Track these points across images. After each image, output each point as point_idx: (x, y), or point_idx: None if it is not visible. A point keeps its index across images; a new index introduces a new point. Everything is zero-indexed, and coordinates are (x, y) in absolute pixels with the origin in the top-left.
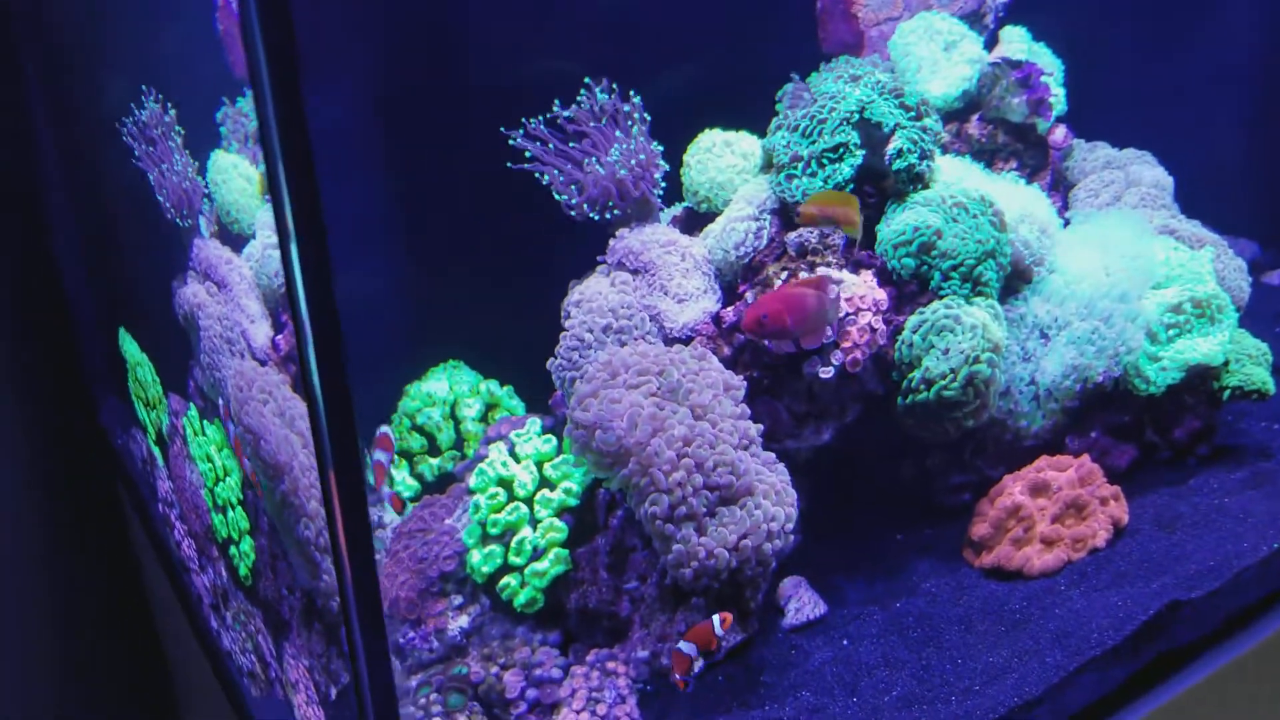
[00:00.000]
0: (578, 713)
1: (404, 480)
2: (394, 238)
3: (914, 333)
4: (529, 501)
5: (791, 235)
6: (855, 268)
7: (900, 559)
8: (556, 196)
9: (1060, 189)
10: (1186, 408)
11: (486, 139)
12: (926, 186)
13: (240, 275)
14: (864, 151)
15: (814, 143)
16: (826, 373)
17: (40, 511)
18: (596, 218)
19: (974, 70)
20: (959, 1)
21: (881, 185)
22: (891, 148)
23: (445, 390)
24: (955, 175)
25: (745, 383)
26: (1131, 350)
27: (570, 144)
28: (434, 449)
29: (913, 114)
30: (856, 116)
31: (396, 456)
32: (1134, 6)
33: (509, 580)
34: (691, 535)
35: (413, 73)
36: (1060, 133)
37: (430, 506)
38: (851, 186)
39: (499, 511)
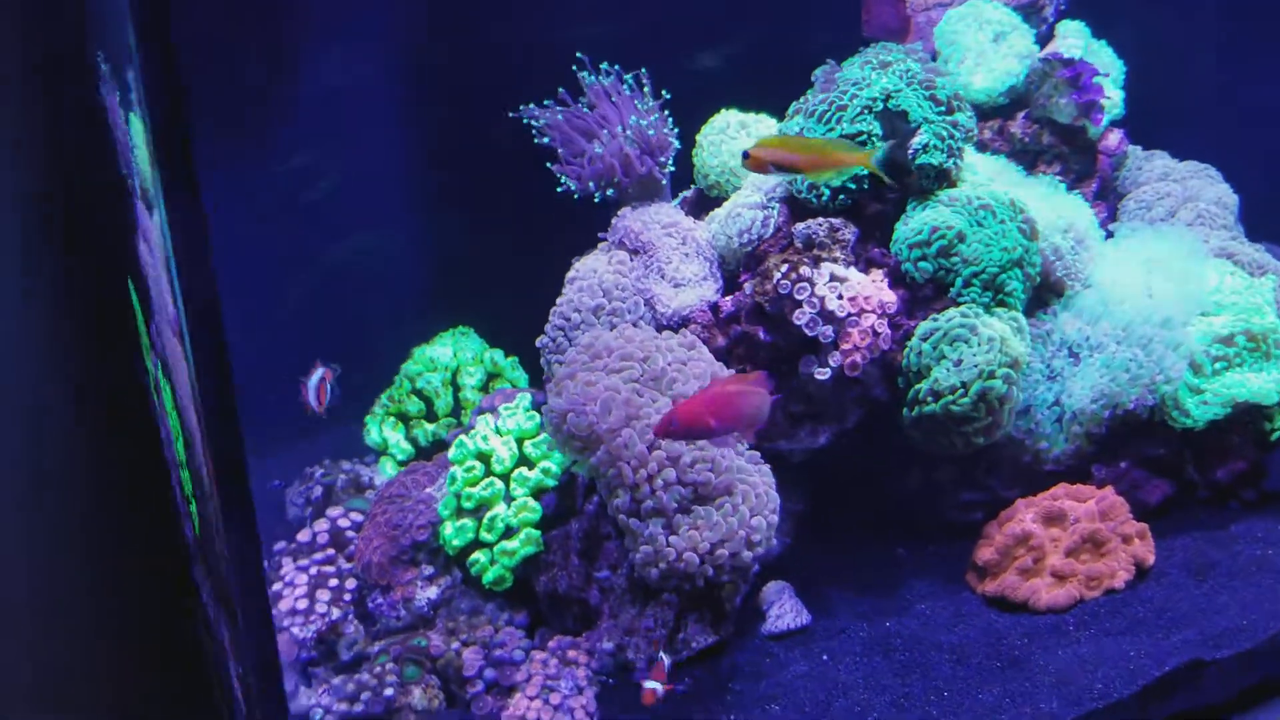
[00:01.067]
0: (531, 699)
1: (398, 443)
2: (416, 202)
3: (924, 340)
4: (506, 478)
5: (799, 226)
6: (866, 265)
7: (897, 575)
8: (557, 172)
9: (1109, 198)
10: (1232, 447)
11: (512, 108)
12: (953, 185)
13: (155, 243)
14: (885, 144)
15: (831, 129)
16: (823, 374)
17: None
18: (599, 195)
19: (1022, 65)
20: None
21: (904, 180)
22: (917, 142)
23: (449, 356)
24: (988, 175)
25: None
26: (1171, 380)
27: (586, 111)
28: (431, 414)
29: (943, 108)
30: (880, 105)
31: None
32: (1218, 8)
33: (479, 556)
34: (660, 534)
35: (442, 44)
36: (1114, 138)
37: (414, 473)
38: (867, 183)
39: (474, 485)
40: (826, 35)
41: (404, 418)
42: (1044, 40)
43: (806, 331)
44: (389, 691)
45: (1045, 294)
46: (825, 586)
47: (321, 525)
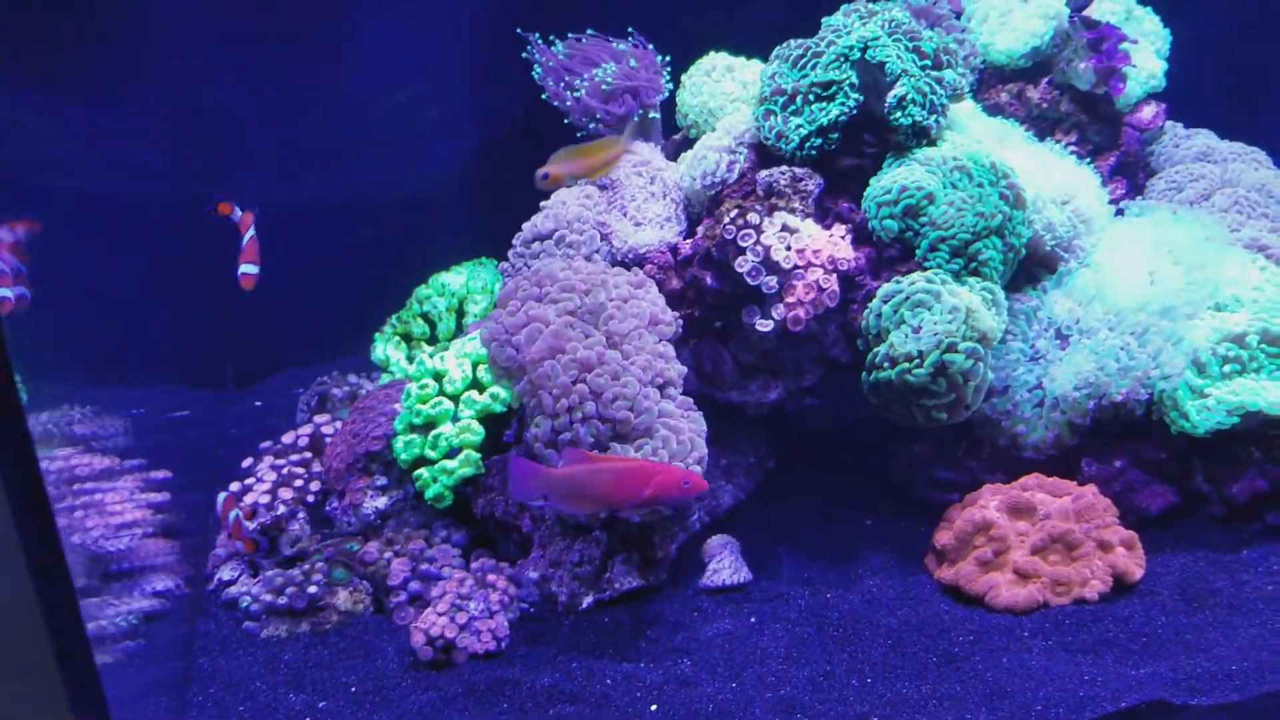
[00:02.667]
0: (439, 615)
1: (398, 362)
2: (460, 144)
3: (884, 303)
4: (456, 399)
5: (763, 174)
6: (833, 220)
7: (854, 546)
8: (554, 102)
9: (1137, 175)
10: (1250, 461)
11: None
12: (933, 144)
13: None
14: (860, 95)
15: (804, 76)
16: (764, 326)
17: None
18: (580, 131)
19: (1048, 26)
20: None
21: (884, 136)
22: (892, 95)
23: (459, 284)
24: (977, 136)
25: (679, 321)
26: (1168, 377)
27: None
28: (434, 338)
29: (928, 61)
30: (857, 54)
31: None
32: None
33: (422, 472)
34: None
35: None
36: (1149, 112)
37: (391, 388)
38: (837, 135)
39: (425, 403)
40: None
41: (408, 338)
42: (1081, 6)
43: (749, 280)
44: (313, 589)
45: (1036, 268)
46: (775, 546)
47: (305, 430)
